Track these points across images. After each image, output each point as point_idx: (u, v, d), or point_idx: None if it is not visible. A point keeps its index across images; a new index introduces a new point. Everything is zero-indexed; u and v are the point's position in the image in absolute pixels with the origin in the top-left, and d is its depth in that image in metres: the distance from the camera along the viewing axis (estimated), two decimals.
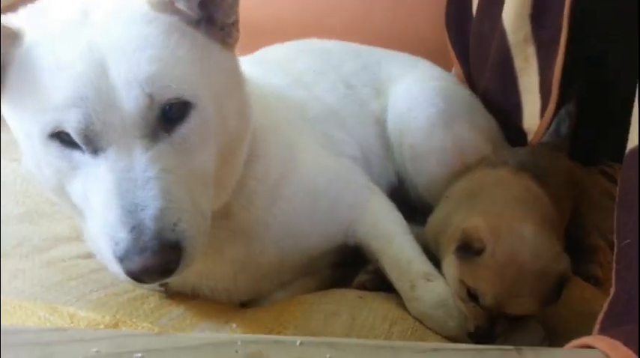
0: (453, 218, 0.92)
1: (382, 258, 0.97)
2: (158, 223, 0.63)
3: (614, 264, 0.76)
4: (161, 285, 0.88)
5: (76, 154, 0.67)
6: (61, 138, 0.66)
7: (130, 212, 0.63)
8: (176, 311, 0.85)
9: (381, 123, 1.22)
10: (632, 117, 0.72)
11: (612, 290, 0.75)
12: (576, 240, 1.06)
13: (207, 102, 0.71)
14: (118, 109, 0.65)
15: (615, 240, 0.76)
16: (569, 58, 1.10)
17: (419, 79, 1.24)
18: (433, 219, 1.02)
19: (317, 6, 1.76)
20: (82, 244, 0.97)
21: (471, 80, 1.45)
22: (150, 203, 0.63)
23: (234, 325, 0.82)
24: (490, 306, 0.80)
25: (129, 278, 0.65)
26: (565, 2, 1.07)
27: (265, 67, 1.15)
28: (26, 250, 0.96)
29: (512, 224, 0.84)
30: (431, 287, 0.90)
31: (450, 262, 0.87)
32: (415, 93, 1.19)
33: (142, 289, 0.88)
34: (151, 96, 0.66)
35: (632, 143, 0.73)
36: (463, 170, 1.08)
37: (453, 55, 1.52)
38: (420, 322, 0.89)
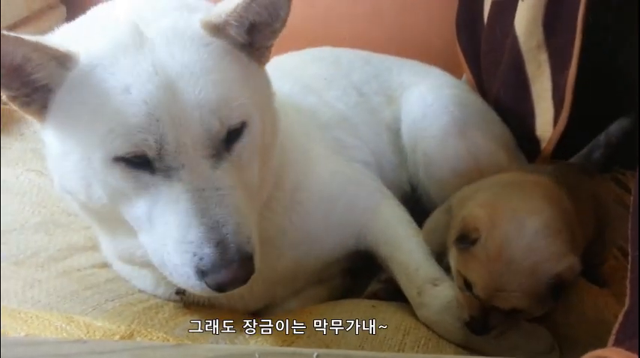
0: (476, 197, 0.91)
1: (391, 264, 0.98)
2: (237, 237, 0.68)
3: (628, 274, 0.75)
4: (177, 294, 0.88)
5: (144, 176, 0.69)
6: (127, 160, 0.67)
7: (213, 229, 0.67)
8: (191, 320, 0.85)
9: (393, 130, 1.23)
10: None
11: (627, 300, 0.75)
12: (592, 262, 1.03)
13: (256, 120, 0.74)
14: (188, 131, 0.67)
15: (630, 250, 0.75)
16: (582, 65, 1.10)
17: (432, 86, 1.23)
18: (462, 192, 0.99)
19: (326, 14, 1.77)
20: (97, 254, 0.98)
21: (481, 87, 1.44)
22: (228, 219, 0.68)
23: (247, 335, 0.83)
24: (481, 297, 0.80)
25: (207, 290, 0.68)
26: (579, 9, 1.06)
27: (275, 74, 1.16)
28: (42, 260, 0.97)
29: (515, 216, 0.82)
30: (436, 292, 0.90)
31: (452, 252, 0.87)
32: (429, 102, 1.19)
33: (156, 299, 0.89)
34: (220, 120, 0.69)
35: None
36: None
37: (463, 61, 1.52)
38: (431, 329, 0.89)
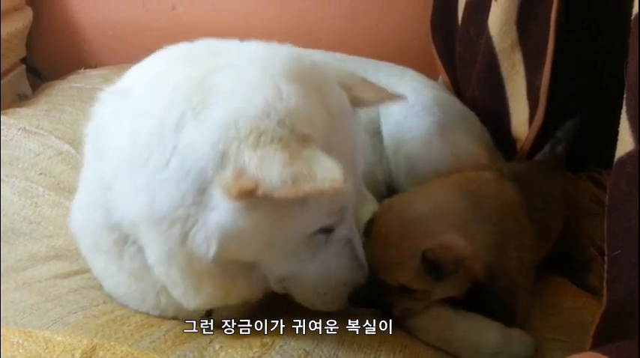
0: None
1: None
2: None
3: (604, 275, 0.74)
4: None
5: (321, 237, 0.76)
6: (322, 229, 0.75)
7: (362, 267, 0.81)
8: (157, 332, 0.81)
9: (368, 131, 1.21)
10: (621, 124, 0.71)
11: (604, 301, 0.74)
12: (570, 254, 1.06)
13: None
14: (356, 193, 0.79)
15: (606, 250, 0.74)
16: (557, 64, 1.09)
17: (412, 88, 1.21)
18: None
19: (302, 17, 1.75)
20: (60, 263, 0.93)
21: (457, 88, 1.44)
22: (364, 257, 0.82)
23: (217, 346, 0.79)
24: (377, 275, 0.85)
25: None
26: (552, 8, 1.06)
27: None
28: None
29: (407, 202, 0.89)
30: None
31: None
32: (411, 103, 1.16)
33: (121, 310, 0.85)
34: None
35: (620, 151, 0.72)
36: None
37: (439, 62, 1.51)
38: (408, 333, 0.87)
